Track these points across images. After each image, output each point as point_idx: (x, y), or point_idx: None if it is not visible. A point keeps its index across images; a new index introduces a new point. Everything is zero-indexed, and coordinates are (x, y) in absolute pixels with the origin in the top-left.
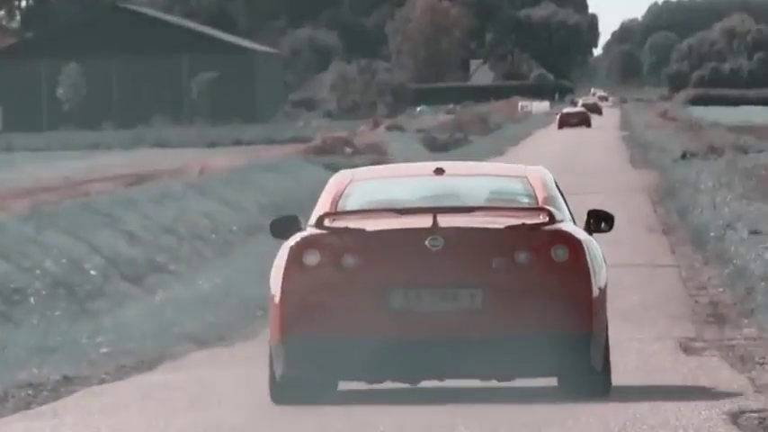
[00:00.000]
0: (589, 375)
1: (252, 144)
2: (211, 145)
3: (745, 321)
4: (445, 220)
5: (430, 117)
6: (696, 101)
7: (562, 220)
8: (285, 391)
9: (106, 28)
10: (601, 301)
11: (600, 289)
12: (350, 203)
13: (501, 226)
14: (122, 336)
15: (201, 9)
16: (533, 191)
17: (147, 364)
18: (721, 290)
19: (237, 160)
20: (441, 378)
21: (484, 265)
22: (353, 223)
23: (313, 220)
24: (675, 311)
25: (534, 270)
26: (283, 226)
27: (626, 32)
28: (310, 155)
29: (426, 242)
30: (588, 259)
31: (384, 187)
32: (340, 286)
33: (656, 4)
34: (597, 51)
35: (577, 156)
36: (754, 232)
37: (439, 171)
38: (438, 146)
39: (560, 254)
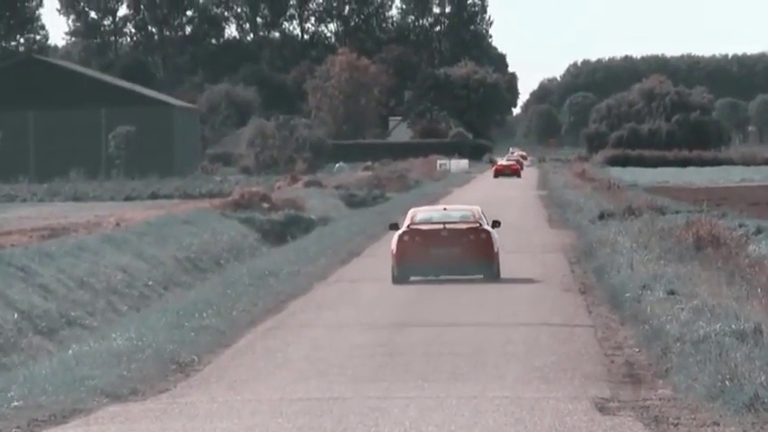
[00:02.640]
0: (492, 274)
1: (169, 198)
2: (128, 199)
3: (660, 382)
4: (448, 225)
5: (348, 174)
6: (614, 161)
7: (484, 225)
8: (397, 280)
9: (23, 79)
10: (498, 254)
11: (498, 249)
12: (417, 220)
13: (465, 227)
14: (34, 389)
15: (119, 62)
16: (474, 215)
17: (58, 418)
18: (637, 350)
19: (154, 214)
20: (449, 274)
21: (460, 239)
22: (419, 226)
23: (405, 225)
24: (591, 371)
25: (475, 242)
26: (395, 227)
27: (545, 92)
28: (227, 210)
29: (442, 233)
30: (493, 239)
31: (427, 214)
32: (414, 246)
33: (574, 64)
34: (516, 110)
35: (495, 215)
36: (671, 293)
37: (444, 209)
38: (356, 203)
39: (483, 237)
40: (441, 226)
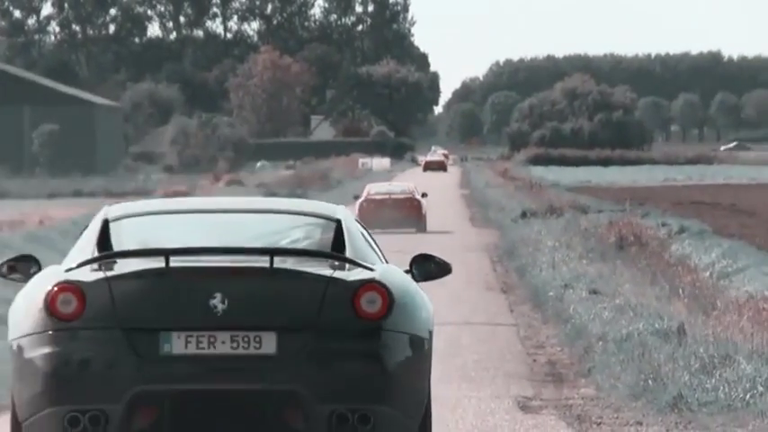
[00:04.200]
0: (421, 228)
1: (92, 196)
2: (51, 196)
3: (583, 381)
4: (392, 196)
5: (270, 173)
6: (536, 160)
7: (416, 195)
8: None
9: None
10: (425, 215)
11: (425, 212)
12: (371, 192)
13: (403, 197)
14: None
15: (42, 61)
16: (410, 188)
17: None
18: (559, 349)
19: (78, 212)
20: (392, 228)
21: (400, 205)
22: (373, 197)
23: (363, 196)
24: (513, 370)
25: (410, 207)
26: (357, 197)
27: (467, 91)
28: None
29: (388, 201)
30: (422, 205)
31: (378, 188)
32: (370, 210)
33: (497, 63)
34: (438, 109)
35: None
36: (593, 292)
37: (389, 184)
38: None
39: (415, 203)
40: (387, 196)
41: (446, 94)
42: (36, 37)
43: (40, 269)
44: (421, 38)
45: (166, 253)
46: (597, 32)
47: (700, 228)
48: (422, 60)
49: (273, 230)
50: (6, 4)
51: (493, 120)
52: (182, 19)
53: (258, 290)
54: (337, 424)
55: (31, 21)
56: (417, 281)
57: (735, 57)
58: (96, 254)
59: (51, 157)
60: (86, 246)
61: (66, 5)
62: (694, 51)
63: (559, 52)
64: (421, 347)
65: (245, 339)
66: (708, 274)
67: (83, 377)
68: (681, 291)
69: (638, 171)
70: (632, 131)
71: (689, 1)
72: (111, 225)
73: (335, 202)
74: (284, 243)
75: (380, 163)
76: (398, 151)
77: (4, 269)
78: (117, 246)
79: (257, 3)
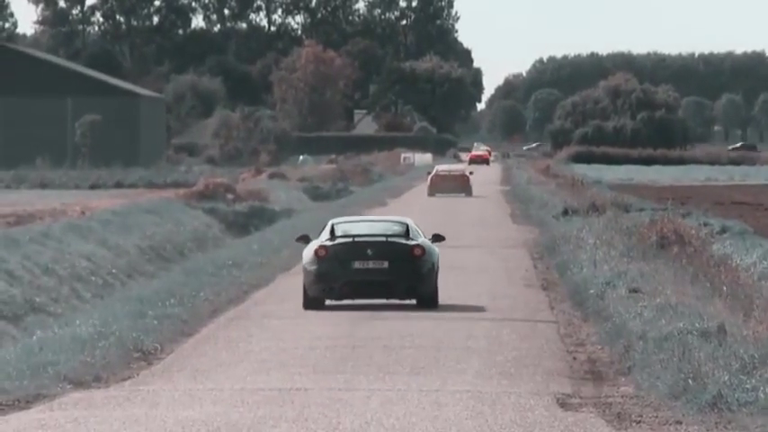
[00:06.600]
0: (469, 194)
1: (133, 187)
2: (93, 187)
3: (623, 379)
4: (451, 172)
5: (312, 166)
6: (579, 158)
7: (466, 173)
8: (429, 194)
9: None
10: (471, 186)
11: (471, 184)
12: (438, 170)
13: (458, 174)
14: None
15: (86, 51)
16: (462, 168)
17: (22, 402)
18: (599, 347)
19: (119, 203)
20: (452, 193)
21: (456, 178)
22: (438, 173)
23: (433, 172)
24: (553, 367)
25: (462, 180)
26: (428, 174)
27: (510, 88)
28: (192, 200)
29: (448, 176)
30: (470, 180)
31: (442, 167)
32: (437, 181)
33: (540, 60)
34: (480, 106)
35: (458, 209)
36: (634, 290)
37: (449, 166)
38: (320, 195)
39: (466, 178)
40: (448, 172)
41: (489, 90)
42: (80, 27)
43: (310, 240)
44: (464, 34)
45: (353, 236)
46: (641, 31)
47: (741, 228)
48: (465, 56)
49: (386, 227)
50: None
51: (535, 117)
52: (226, 11)
53: (383, 247)
54: (407, 289)
55: (76, 11)
56: (433, 242)
57: None
58: (329, 236)
59: (93, 148)
60: (326, 232)
61: None
62: (738, 51)
63: (603, 50)
64: (433, 266)
65: (378, 263)
66: (749, 274)
67: (327, 275)
68: (722, 290)
69: (681, 170)
70: (675, 130)
71: (733, 0)
72: (335, 225)
73: (377, 197)
74: (390, 232)
75: (422, 158)
76: (440, 147)
77: (298, 239)
78: (337, 233)
79: None
